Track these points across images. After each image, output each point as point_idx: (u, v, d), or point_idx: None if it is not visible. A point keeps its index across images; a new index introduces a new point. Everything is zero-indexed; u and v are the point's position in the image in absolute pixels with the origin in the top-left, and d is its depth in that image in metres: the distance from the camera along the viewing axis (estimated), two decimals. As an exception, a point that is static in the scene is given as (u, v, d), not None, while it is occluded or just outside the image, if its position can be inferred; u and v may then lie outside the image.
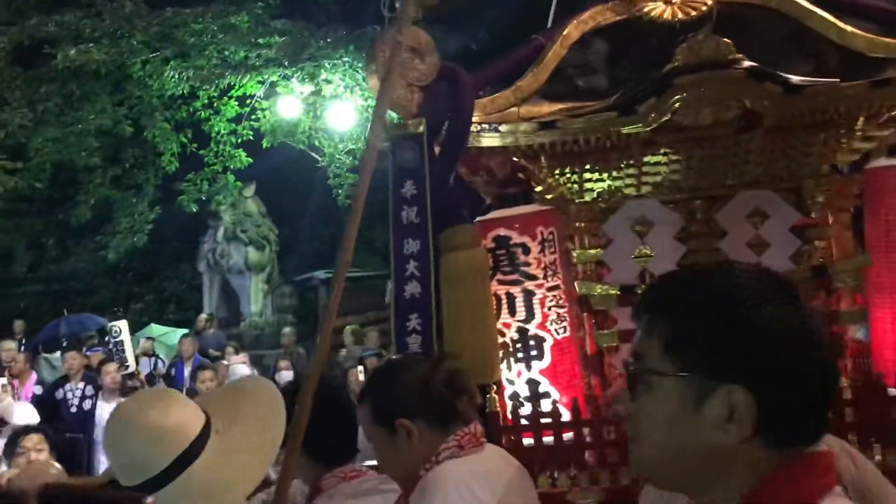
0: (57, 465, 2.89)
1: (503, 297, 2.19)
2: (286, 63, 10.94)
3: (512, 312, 2.19)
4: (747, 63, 2.05)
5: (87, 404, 6.70)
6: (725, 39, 2.08)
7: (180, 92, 11.23)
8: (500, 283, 2.19)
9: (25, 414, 5.44)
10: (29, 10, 11.81)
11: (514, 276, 2.19)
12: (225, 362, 7.68)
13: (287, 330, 8.85)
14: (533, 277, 2.19)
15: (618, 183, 2.29)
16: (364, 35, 10.42)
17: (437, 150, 2.05)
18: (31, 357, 9.14)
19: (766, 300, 0.80)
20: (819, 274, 2.14)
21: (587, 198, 2.31)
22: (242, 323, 10.83)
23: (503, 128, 2.09)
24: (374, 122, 1.53)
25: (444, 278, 2.05)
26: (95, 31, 11.44)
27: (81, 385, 6.86)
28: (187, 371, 7.54)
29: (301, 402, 1.34)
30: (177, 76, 11.22)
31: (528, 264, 2.19)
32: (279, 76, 10.36)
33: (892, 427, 1.97)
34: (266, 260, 11.29)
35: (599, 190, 2.29)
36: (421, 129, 2.00)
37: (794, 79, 2.09)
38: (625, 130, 2.07)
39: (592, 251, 2.27)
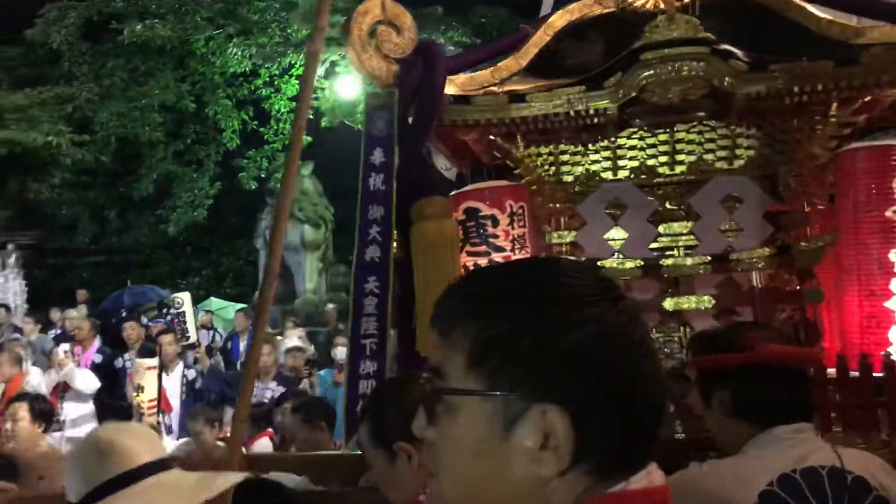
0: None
1: (472, 267, 2.29)
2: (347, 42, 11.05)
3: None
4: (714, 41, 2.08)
5: (144, 375, 7.10)
6: (693, 18, 2.12)
7: (242, 69, 11.62)
8: (469, 254, 2.30)
9: (86, 380, 5.78)
10: (97, -14, 12.29)
11: (483, 248, 2.30)
12: (279, 337, 7.93)
13: (330, 307, 9.10)
14: (500, 249, 2.29)
15: (594, 166, 2.36)
16: (427, 16, 10.55)
17: (409, 121, 2.16)
18: (96, 325, 9.66)
19: (588, 302, 0.68)
20: (782, 253, 2.16)
21: (564, 179, 2.38)
22: (297, 300, 11.14)
23: (476, 100, 2.19)
24: (302, 89, 1.64)
25: (415, 246, 2.17)
26: (161, 7, 11.94)
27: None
28: (243, 345, 7.84)
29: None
30: (239, 53, 11.63)
31: (496, 236, 2.28)
32: (340, 55, 10.61)
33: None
34: (321, 238, 11.57)
35: (575, 172, 2.37)
36: (393, 99, 2.11)
37: (761, 57, 2.11)
38: (592, 105, 2.13)
39: (566, 232, 2.33)
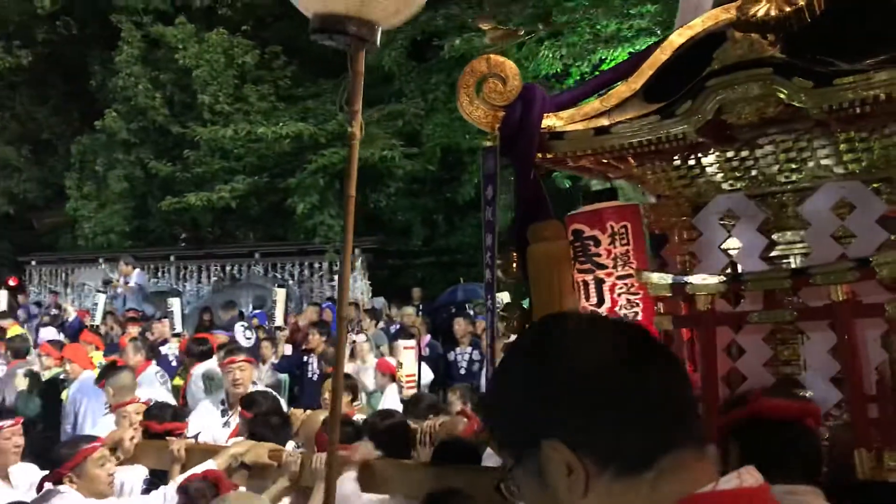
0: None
1: (580, 284, 2.69)
2: (659, 32, 11.37)
3: (587, 298, 2.69)
4: (779, 59, 2.24)
5: (475, 367, 8.31)
6: (760, 38, 2.29)
7: (554, 70, 12.37)
8: (579, 271, 2.70)
9: (424, 373, 7.06)
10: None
11: (587, 266, 2.68)
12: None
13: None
14: (603, 266, 2.66)
15: (704, 180, 2.61)
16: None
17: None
18: (426, 321, 11.15)
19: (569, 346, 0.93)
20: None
21: (678, 194, 2.67)
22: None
23: (566, 135, 2.59)
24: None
25: (530, 266, 2.65)
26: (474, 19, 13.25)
27: (469, 350, 8.50)
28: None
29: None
30: (550, 55, 12.42)
31: (598, 255, 2.66)
32: (653, 46, 10.78)
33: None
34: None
35: (688, 187, 2.64)
36: (495, 142, 2.62)
37: (830, 70, 2.20)
38: (670, 132, 2.41)
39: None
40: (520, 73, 2.71)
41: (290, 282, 16.67)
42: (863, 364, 2.25)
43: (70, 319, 13.92)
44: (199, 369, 6.98)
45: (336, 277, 15.70)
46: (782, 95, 2.26)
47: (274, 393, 4.93)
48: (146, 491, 3.48)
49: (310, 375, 8.31)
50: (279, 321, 10.69)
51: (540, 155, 2.66)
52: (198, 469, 3.18)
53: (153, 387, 6.38)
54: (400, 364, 5.95)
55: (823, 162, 2.48)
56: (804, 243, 2.47)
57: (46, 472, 3.41)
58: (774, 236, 2.52)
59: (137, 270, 15.97)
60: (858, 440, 2.18)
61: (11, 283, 17.24)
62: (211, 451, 3.51)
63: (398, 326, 10.62)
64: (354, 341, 8.92)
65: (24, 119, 18.88)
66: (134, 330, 10.32)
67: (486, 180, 2.72)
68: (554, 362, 0.94)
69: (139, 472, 3.63)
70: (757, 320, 2.42)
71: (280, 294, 11.38)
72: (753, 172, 2.58)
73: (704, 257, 2.61)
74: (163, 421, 4.01)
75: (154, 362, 7.63)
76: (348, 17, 2.44)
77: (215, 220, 18.13)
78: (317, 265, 15.86)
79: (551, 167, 2.90)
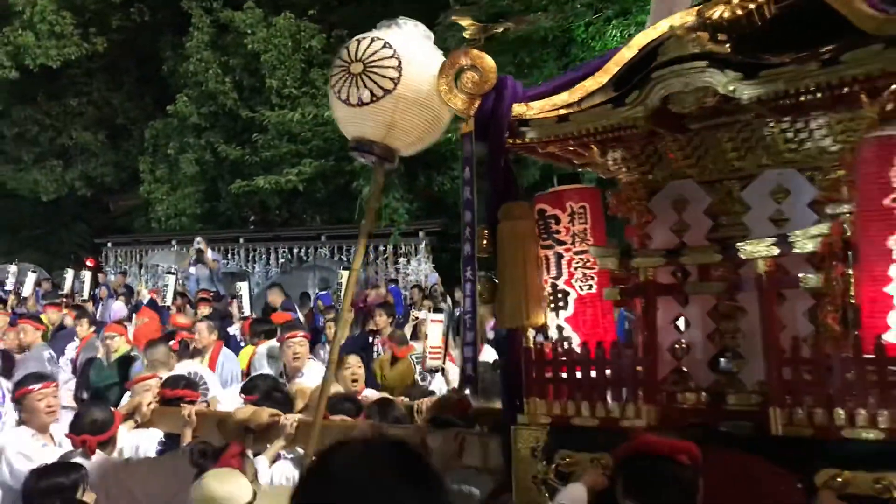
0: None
1: (543, 258, 3.06)
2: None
3: (548, 271, 3.05)
4: (714, 53, 2.55)
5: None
6: (701, 35, 2.60)
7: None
8: (542, 247, 3.06)
9: (489, 352, 7.48)
10: (483, -13, 14.14)
11: (549, 242, 3.04)
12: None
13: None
14: (563, 243, 3.02)
15: (661, 165, 2.94)
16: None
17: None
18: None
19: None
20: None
21: (637, 179, 3.01)
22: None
23: (532, 123, 2.96)
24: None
25: (499, 242, 3.03)
26: None
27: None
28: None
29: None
30: (618, 34, 12.59)
31: (558, 232, 3.01)
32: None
33: None
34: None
35: (645, 172, 2.98)
36: (471, 127, 3.02)
37: (756, 63, 2.50)
38: (622, 120, 2.75)
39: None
40: (495, 67, 3.09)
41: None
42: (778, 330, 2.56)
43: (144, 301, 14.83)
44: (262, 347, 7.55)
45: (401, 260, 16.27)
46: (716, 86, 2.58)
47: (272, 375, 5.41)
48: (160, 452, 4.00)
49: (375, 356, 8.74)
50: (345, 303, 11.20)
51: (511, 140, 3.03)
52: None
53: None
54: (426, 335, 6.40)
55: (765, 151, 2.77)
56: (745, 225, 2.77)
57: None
58: (720, 219, 2.83)
59: (210, 251, 16.82)
60: (773, 399, 2.50)
61: (89, 263, 18.37)
62: (219, 415, 4.02)
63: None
64: (417, 318, 9.34)
65: (100, 104, 19.99)
66: (205, 310, 11.02)
67: (464, 162, 3.12)
68: (330, 478, 1.24)
69: (154, 435, 4.16)
70: (690, 291, 2.75)
71: (345, 276, 11.95)
72: (703, 160, 2.90)
73: (658, 237, 2.94)
74: (175, 388, 4.55)
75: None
76: (376, 143, 3.25)
77: (283, 202, 18.88)
78: (381, 248, 16.35)
79: (523, 153, 3.25)
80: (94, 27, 19.06)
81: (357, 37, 3.26)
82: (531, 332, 2.97)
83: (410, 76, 3.13)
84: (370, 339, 9.05)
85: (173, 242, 19.35)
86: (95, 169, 20.14)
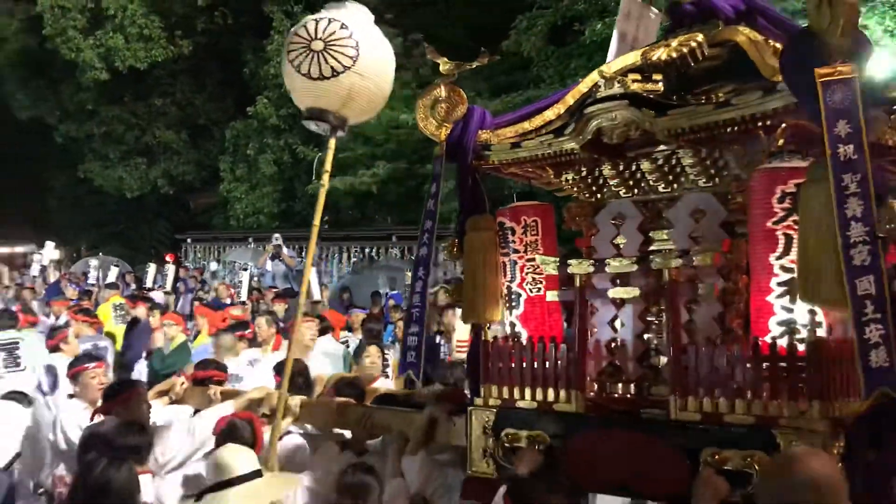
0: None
1: (502, 264, 3.64)
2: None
3: (504, 275, 3.63)
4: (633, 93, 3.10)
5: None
6: (625, 78, 3.15)
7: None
8: (501, 254, 3.64)
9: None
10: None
11: (506, 250, 3.62)
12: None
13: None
14: (516, 251, 3.59)
15: (603, 188, 3.50)
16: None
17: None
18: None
19: None
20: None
21: (585, 197, 3.57)
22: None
23: (492, 147, 3.55)
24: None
25: (465, 250, 3.64)
26: (618, 2, 13.91)
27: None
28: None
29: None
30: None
31: (513, 241, 3.59)
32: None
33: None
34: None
35: (591, 192, 3.55)
36: (442, 150, 3.64)
37: (668, 103, 3.04)
38: (561, 148, 3.32)
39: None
40: (465, 98, 3.68)
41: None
42: (679, 331, 3.07)
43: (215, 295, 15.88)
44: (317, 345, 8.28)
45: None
46: (637, 121, 3.12)
47: (302, 360, 6.07)
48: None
49: (442, 356, 8.75)
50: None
51: (476, 162, 3.62)
52: (217, 410, 4.40)
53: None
54: (454, 328, 6.95)
55: (685, 177, 3.30)
56: (669, 240, 3.28)
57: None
58: (651, 234, 3.36)
59: (286, 249, 17.80)
60: (672, 388, 3.02)
61: (169, 258, 19.68)
62: (238, 394, 4.73)
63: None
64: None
65: (183, 105, 21.36)
66: (279, 307, 11.84)
67: (433, 179, 3.75)
68: None
69: (186, 410, 4.90)
70: (611, 295, 3.30)
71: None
72: (636, 183, 3.43)
73: (601, 248, 3.48)
74: (206, 370, 5.31)
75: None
76: (332, 112, 3.79)
77: (355, 203, 19.78)
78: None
79: (490, 172, 3.82)
80: (180, 30, 20.39)
81: (312, 16, 3.80)
82: (489, 328, 3.56)
83: (366, 55, 3.70)
84: (437, 340, 9.58)
85: (250, 240, 20.50)
86: (177, 167, 21.49)
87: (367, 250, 19.43)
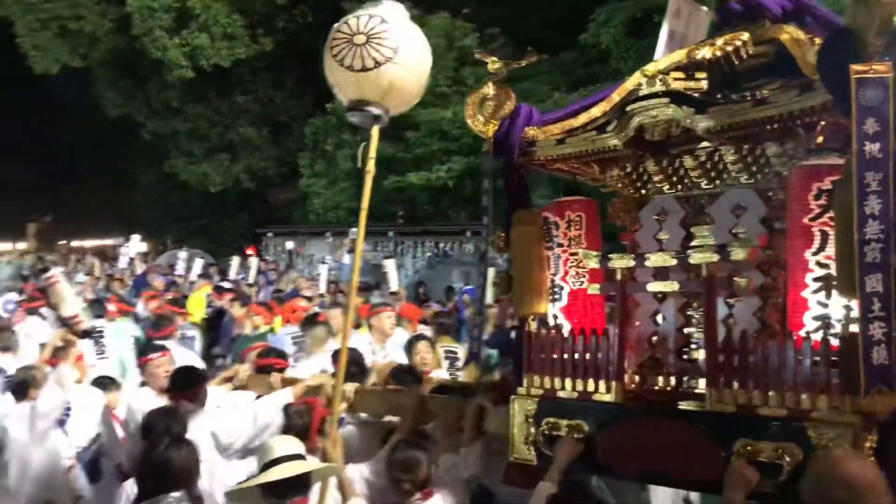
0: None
1: (547, 258, 3.75)
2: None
3: (549, 269, 3.74)
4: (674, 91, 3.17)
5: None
6: (667, 76, 3.22)
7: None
8: (546, 248, 3.75)
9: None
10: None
11: (550, 244, 3.73)
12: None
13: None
14: (560, 245, 3.69)
15: (646, 184, 3.58)
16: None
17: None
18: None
19: None
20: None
21: (629, 193, 3.66)
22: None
23: (538, 143, 3.66)
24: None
25: (511, 244, 3.77)
26: (698, -5, 13.81)
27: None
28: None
29: None
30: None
31: (557, 236, 3.70)
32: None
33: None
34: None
35: (636, 187, 3.63)
36: (487, 148, 3.77)
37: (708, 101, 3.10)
38: (605, 144, 3.41)
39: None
40: (513, 96, 3.79)
41: (499, 260, 18.07)
42: (715, 325, 3.13)
43: (288, 289, 16.34)
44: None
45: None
46: (678, 118, 3.19)
47: (357, 349, 6.25)
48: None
49: None
50: (488, 298, 12.09)
51: (522, 158, 3.73)
52: (276, 396, 4.64)
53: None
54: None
55: (727, 173, 3.35)
56: (711, 235, 3.34)
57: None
58: (692, 230, 3.42)
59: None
60: (708, 382, 3.09)
61: (249, 252, 20.29)
62: (295, 381, 4.95)
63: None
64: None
65: (264, 102, 21.95)
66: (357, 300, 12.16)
67: (485, 175, 3.88)
68: None
69: (248, 396, 5.14)
70: (649, 289, 3.37)
71: (490, 272, 12.74)
72: (680, 179, 3.50)
73: (644, 243, 3.56)
74: (268, 358, 5.57)
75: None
76: (371, 103, 3.88)
77: (431, 198, 20.01)
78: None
79: (537, 168, 3.92)
80: (262, 28, 20.95)
81: (354, 13, 3.92)
82: (531, 320, 3.68)
83: (405, 48, 3.82)
84: (511, 335, 9.71)
85: (328, 234, 20.95)
86: (259, 163, 22.09)
87: (441, 245, 19.61)
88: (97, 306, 10.17)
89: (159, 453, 3.71)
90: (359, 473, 4.09)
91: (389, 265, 13.15)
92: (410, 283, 17.64)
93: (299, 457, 3.61)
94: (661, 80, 3.26)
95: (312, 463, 3.68)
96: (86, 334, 5.49)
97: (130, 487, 3.97)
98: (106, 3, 22.14)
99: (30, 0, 21.52)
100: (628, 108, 3.34)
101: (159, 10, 20.62)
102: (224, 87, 21.89)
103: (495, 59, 3.87)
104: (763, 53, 3.31)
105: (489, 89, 3.83)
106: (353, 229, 18.00)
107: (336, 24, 3.90)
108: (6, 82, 28.42)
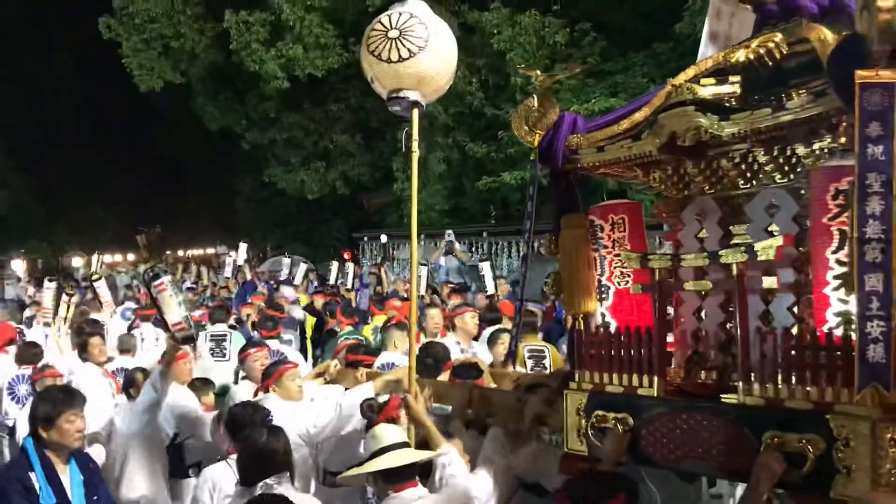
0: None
1: (594, 259, 4.02)
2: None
3: (596, 269, 4.00)
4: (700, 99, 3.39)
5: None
6: (694, 85, 3.45)
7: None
8: (592, 249, 4.02)
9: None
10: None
11: (595, 246, 3.99)
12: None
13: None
14: (605, 246, 3.95)
15: (686, 186, 3.82)
16: None
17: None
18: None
19: None
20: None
21: (672, 194, 3.89)
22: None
23: (580, 151, 3.93)
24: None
25: (560, 247, 4.06)
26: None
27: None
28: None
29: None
30: None
31: (602, 238, 3.95)
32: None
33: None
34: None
35: (678, 189, 3.86)
36: (534, 156, 4.06)
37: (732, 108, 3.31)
38: (639, 150, 3.66)
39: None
40: (557, 107, 4.07)
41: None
42: (746, 321, 3.33)
43: (389, 290, 16.92)
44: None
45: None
46: (704, 126, 3.42)
47: (444, 344, 6.63)
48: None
49: None
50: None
51: (568, 165, 4.00)
52: (359, 390, 5.06)
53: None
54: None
55: (762, 174, 3.55)
56: (748, 234, 3.55)
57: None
58: (731, 228, 3.63)
59: (458, 245, 18.56)
60: (742, 376, 3.30)
61: (346, 256, 20.98)
62: (379, 375, 5.35)
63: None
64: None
65: (356, 109, 22.63)
66: (454, 301, 12.65)
67: (531, 181, 4.17)
68: None
69: (338, 389, 5.57)
70: (689, 288, 3.59)
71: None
72: (719, 179, 3.71)
73: (686, 243, 3.79)
74: (356, 354, 6.03)
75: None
76: (410, 90, 4.44)
77: (524, 198, 20.22)
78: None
79: (587, 173, 4.17)
80: (353, 37, 21.61)
81: (387, 11, 4.45)
82: (581, 318, 3.97)
83: (434, 39, 4.32)
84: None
85: (422, 237, 21.43)
86: (353, 169, 22.78)
87: (536, 244, 19.75)
88: (221, 311, 10.98)
89: (262, 442, 4.17)
90: None
91: (485, 268, 13.51)
92: (508, 282, 17.91)
93: (405, 444, 4.00)
94: (687, 89, 3.49)
95: (420, 452, 4.05)
96: (187, 340, 6.05)
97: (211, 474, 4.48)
98: (203, 20, 23.22)
99: (135, 22, 22.77)
100: (659, 116, 3.58)
101: (255, 25, 21.49)
102: (317, 97, 22.66)
103: (539, 72, 4.17)
104: (806, 51, 3.47)
105: (534, 101, 4.13)
106: (449, 231, 18.41)
107: (370, 25, 4.33)
108: (114, 101, 30.22)
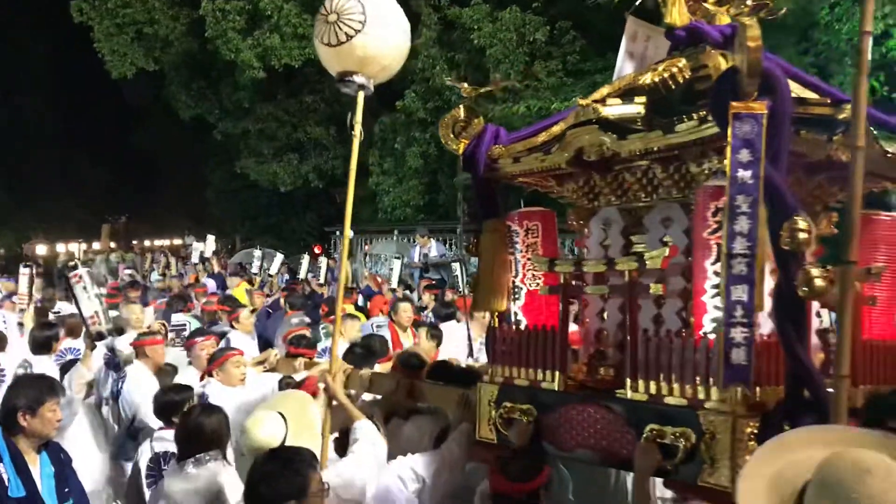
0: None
1: (509, 262, 4.44)
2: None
3: (511, 272, 4.42)
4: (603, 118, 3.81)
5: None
6: (598, 105, 3.87)
7: (877, 32, 12.58)
8: (509, 253, 4.44)
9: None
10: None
11: (511, 250, 4.42)
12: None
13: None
14: (519, 251, 4.38)
15: (594, 197, 4.24)
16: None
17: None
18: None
19: None
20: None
21: (582, 203, 4.32)
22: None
23: (499, 162, 4.35)
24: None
25: (480, 248, 4.47)
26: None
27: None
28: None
29: None
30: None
31: (517, 242, 4.38)
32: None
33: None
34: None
35: (587, 199, 4.29)
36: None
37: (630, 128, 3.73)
38: (551, 163, 4.08)
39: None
40: (481, 119, 4.49)
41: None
42: (635, 324, 3.76)
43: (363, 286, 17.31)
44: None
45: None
46: (606, 143, 3.83)
47: (383, 336, 7.11)
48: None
49: None
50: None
51: (489, 173, 4.41)
52: (300, 376, 5.49)
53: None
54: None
55: (659, 188, 3.97)
56: (645, 244, 3.97)
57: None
58: (632, 237, 4.06)
59: (434, 241, 18.90)
60: (629, 373, 3.72)
61: (317, 250, 21.32)
62: (317, 366, 5.79)
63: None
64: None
65: (331, 101, 22.95)
66: (427, 297, 13.11)
67: (458, 187, 4.60)
68: None
69: (276, 377, 6.04)
70: (589, 291, 4.02)
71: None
72: (624, 192, 4.13)
73: (592, 249, 4.22)
74: (298, 346, 6.49)
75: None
76: (355, 72, 4.73)
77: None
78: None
79: (505, 181, 4.58)
80: (328, 26, 21.91)
81: None
82: (496, 316, 4.39)
83: (373, 20, 4.55)
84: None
85: (395, 232, 21.82)
86: (327, 162, 23.11)
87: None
88: (180, 301, 11.43)
89: (194, 419, 4.54)
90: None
91: (457, 268, 13.93)
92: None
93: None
94: (593, 109, 3.91)
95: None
96: (100, 336, 6.46)
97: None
98: (178, 6, 23.49)
99: (108, 5, 23.01)
100: (568, 133, 4.00)
101: (232, 13, 21.75)
102: (292, 88, 22.98)
103: (465, 84, 4.58)
104: (706, 77, 3.89)
105: (460, 112, 4.54)
106: (423, 227, 18.72)
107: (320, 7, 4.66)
108: (84, 87, 30.42)
